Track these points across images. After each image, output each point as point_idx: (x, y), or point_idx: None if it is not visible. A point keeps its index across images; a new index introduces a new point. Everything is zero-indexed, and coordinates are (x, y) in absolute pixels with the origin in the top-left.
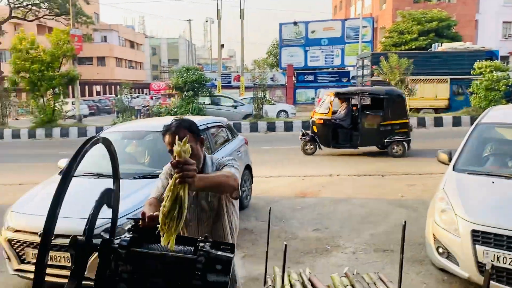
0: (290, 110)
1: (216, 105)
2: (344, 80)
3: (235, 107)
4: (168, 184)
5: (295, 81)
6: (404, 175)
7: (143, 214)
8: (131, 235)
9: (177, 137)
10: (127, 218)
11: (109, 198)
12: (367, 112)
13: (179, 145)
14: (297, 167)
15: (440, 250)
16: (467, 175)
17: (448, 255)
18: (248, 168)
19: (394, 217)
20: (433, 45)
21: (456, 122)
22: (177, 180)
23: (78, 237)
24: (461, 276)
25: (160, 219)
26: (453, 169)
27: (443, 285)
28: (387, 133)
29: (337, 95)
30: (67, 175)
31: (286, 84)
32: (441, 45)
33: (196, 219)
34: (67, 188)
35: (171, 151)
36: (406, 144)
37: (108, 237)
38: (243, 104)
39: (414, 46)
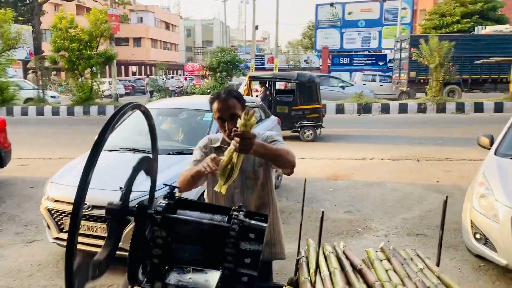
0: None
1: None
2: (381, 63)
3: (343, 87)
4: (200, 158)
5: (329, 64)
6: (440, 160)
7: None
8: (166, 202)
9: (243, 114)
10: (164, 184)
11: (147, 164)
12: (279, 96)
13: (244, 118)
14: (330, 150)
15: (478, 236)
16: (510, 160)
17: (486, 242)
18: None
19: (429, 202)
20: (476, 28)
21: (498, 108)
22: (235, 150)
23: (115, 202)
24: (499, 263)
25: (220, 167)
26: (495, 153)
27: (479, 272)
28: (298, 118)
29: (251, 78)
30: (101, 139)
31: (321, 67)
32: (485, 28)
33: (241, 186)
34: (99, 152)
35: (219, 118)
36: (317, 129)
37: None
38: (352, 85)
39: (455, 29)
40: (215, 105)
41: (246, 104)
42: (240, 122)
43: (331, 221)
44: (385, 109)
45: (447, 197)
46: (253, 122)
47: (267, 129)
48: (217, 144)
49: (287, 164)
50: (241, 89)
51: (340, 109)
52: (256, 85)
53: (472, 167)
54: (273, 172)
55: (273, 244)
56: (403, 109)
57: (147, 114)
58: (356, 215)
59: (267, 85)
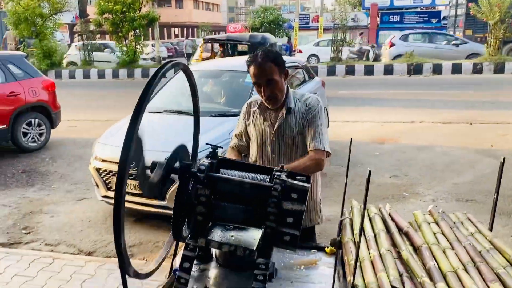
0: (371, 53)
1: (431, 43)
2: (434, 21)
3: (457, 45)
4: (245, 123)
5: (378, 22)
6: (496, 124)
7: None
8: (209, 161)
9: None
10: (206, 144)
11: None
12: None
13: None
14: (376, 113)
15: None
16: None
17: None
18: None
19: (481, 167)
20: None
21: None
22: None
23: (159, 160)
24: None
25: None
26: None
27: None
28: None
29: (206, 40)
30: (144, 96)
31: (369, 25)
32: None
33: (278, 152)
34: (143, 110)
35: (255, 83)
36: None
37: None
38: (467, 42)
39: None
40: (251, 69)
41: (289, 65)
42: None
43: (376, 186)
44: (437, 69)
45: (504, 158)
46: None
47: (310, 91)
48: (255, 108)
49: (310, 173)
50: (197, 52)
51: (388, 70)
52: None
53: None
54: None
55: (309, 211)
56: (456, 69)
57: (187, 72)
58: (403, 179)
59: (224, 47)
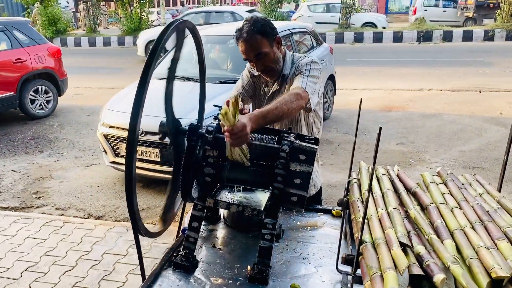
0: (379, 22)
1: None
2: None
3: None
4: (247, 82)
5: None
6: (506, 91)
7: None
8: (217, 122)
9: (224, 105)
10: (214, 105)
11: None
12: None
13: (224, 111)
14: (385, 81)
15: None
16: None
17: None
18: (331, 78)
19: (489, 135)
20: None
21: None
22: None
23: (165, 121)
24: None
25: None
26: None
27: None
28: None
29: None
30: (153, 55)
31: None
32: None
33: None
34: (151, 73)
35: (247, 59)
36: None
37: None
38: None
39: None
40: (239, 46)
41: (297, 30)
42: (220, 115)
43: (382, 153)
44: (447, 37)
45: None
46: (234, 112)
47: (317, 58)
48: (255, 73)
49: (292, 114)
50: None
51: (397, 37)
52: None
53: None
54: (317, 99)
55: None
56: (467, 37)
57: (193, 31)
58: (409, 147)
59: None
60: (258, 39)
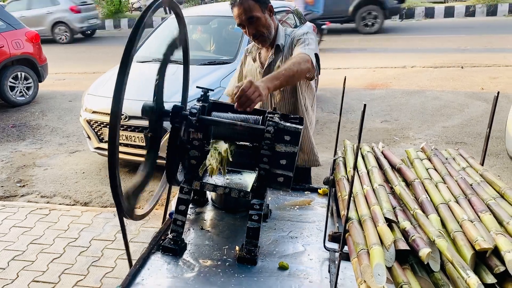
0: None
1: None
2: None
3: None
4: (241, 69)
5: None
6: (487, 67)
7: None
8: (201, 104)
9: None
10: (197, 87)
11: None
12: None
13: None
14: (369, 59)
15: None
16: None
17: None
18: (315, 57)
19: (471, 110)
20: None
21: None
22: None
23: (149, 102)
24: None
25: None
26: None
27: None
28: None
29: None
30: (132, 41)
31: None
32: None
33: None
34: (133, 56)
35: (239, 25)
36: None
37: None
38: None
39: None
40: (234, 11)
41: (280, 9)
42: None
43: (367, 131)
44: (429, 13)
45: (498, 92)
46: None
47: None
48: (248, 53)
49: (301, 76)
50: None
51: None
52: None
53: None
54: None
55: (305, 152)
56: (449, 13)
57: (176, 11)
58: (393, 124)
59: None
60: (251, 4)
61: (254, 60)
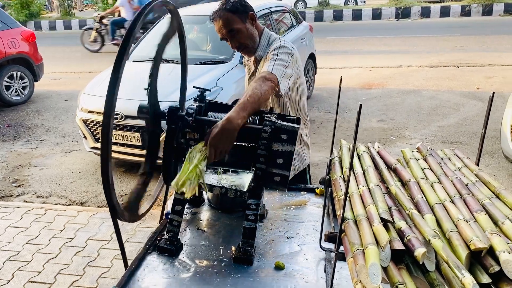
0: None
1: None
2: None
3: None
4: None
5: None
6: (482, 66)
7: None
8: (197, 104)
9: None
10: (194, 87)
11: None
12: None
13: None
14: (364, 58)
15: None
16: None
17: None
18: (311, 57)
19: (467, 110)
20: None
21: None
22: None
23: (145, 103)
24: None
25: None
26: None
27: None
28: None
29: None
30: (128, 36)
31: None
32: None
33: None
34: (127, 53)
35: (222, 39)
36: None
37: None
38: None
39: None
40: (215, 26)
41: (276, 9)
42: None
43: (363, 130)
44: (425, 13)
45: (493, 92)
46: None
47: (298, 37)
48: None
49: (267, 98)
50: None
51: (376, 14)
52: None
53: None
54: (299, 79)
55: (302, 154)
56: (445, 12)
57: (173, 12)
58: (389, 123)
59: None
60: (229, 16)
61: (245, 65)
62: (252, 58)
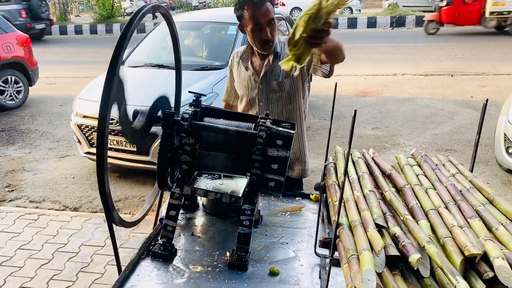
0: (355, 5)
1: None
2: None
3: None
4: (231, 75)
5: None
6: (476, 75)
7: None
8: (193, 109)
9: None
10: (189, 92)
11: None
12: None
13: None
14: (359, 66)
15: (510, 150)
16: None
17: None
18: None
19: (461, 118)
20: None
21: None
22: (310, 43)
23: (140, 108)
24: None
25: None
26: None
27: (508, 186)
28: None
29: None
30: (121, 43)
31: None
32: None
33: (265, 100)
34: (121, 61)
35: (256, 25)
36: None
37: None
38: None
39: None
40: (248, 11)
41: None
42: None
43: (358, 137)
44: (420, 22)
45: (487, 99)
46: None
47: None
48: (238, 59)
49: (342, 56)
50: None
51: (371, 23)
52: None
53: (510, 82)
54: (305, 83)
55: (304, 161)
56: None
57: (167, 16)
58: (384, 131)
59: None
60: (269, 6)
61: (247, 69)
62: (256, 57)
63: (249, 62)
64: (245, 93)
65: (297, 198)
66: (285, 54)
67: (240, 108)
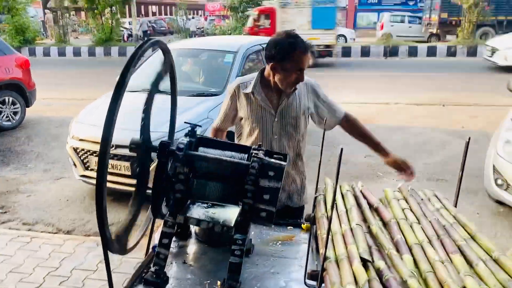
0: (349, 35)
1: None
2: (411, 3)
3: None
4: (232, 105)
5: (357, 3)
6: (467, 106)
7: None
8: (188, 139)
9: None
10: (185, 122)
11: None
12: None
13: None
14: (353, 94)
15: (499, 181)
16: None
17: (508, 187)
18: None
19: (452, 148)
20: None
21: None
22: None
23: (136, 138)
24: None
25: None
26: None
27: (498, 217)
28: None
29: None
30: (124, 75)
31: (347, 7)
32: None
33: (279, 133)
34: (124, 89)
35: (299, 70)
36: None
37: None
38: None
39: None
40: (297, 54)
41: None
42: None
43: (351, 165)
44: (412, 52)
45: (469, 138)
46: None
47: None
48: (248, 90)
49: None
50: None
51: (365, 52)
52: None
53: (500, 113)
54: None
55: (304, 192)
56: (431, 52)
57: (166, 51)
58: (377, 159)
59: None
60: (311, 53)
61: (262, 101)
62: (272, 92)
63: (267, 95)
64: (257, 125)
65: (288, 228)
66: (300, 91)
67: (249, 140)
